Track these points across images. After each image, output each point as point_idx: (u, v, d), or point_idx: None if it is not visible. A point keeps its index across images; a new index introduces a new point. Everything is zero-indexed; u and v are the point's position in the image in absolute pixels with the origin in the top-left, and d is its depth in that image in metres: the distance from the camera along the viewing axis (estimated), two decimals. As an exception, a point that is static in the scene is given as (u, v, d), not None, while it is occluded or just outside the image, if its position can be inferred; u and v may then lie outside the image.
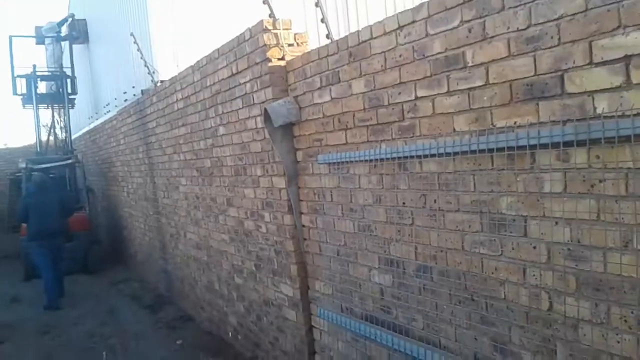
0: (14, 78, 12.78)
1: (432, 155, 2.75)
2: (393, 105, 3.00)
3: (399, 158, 2.97)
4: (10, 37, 13.05)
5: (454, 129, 2.63)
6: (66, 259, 9.46)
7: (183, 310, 7.06)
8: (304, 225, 4.04)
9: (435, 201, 2.81)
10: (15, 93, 12.87)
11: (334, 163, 3.54)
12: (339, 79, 3.42)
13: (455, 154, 2.63)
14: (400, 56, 2.90)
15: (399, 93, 2.94)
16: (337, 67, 3.43)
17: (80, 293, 8.71)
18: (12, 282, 9.80)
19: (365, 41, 3.14)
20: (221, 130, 5.11)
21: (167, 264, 7.64)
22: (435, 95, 2.71)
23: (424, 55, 2.75)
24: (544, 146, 2.18)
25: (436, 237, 2.82)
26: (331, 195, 3.65)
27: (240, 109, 4.63)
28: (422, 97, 2.80)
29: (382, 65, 3.04)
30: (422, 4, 2.74)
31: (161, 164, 7.28)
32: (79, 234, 10.17)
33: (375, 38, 3.06)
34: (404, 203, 3.02)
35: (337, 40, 3.46)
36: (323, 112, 3.62)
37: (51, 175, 11.51)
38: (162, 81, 7.47)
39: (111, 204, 11.37)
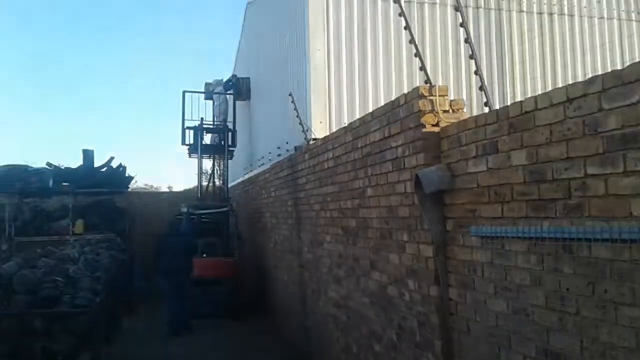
0: (183, 130, 14.16)
1: (604, 240, 2.48)
2: (558, 182, 2.78)
3: (564, 239, 2.72)
4: (184, 92, 14.55)
5: (631, 213, 2.35)
6: (212, 302, 10.14)
7: (318, 367, 7.04)
8: (450, 299, 3.84)
9: (605, 291, 2.50)
10: (183, 143, 14.23)
11: (487, 236, 3.35)
12: (497, 149, 3.26)
13: (633, 241, 2.34)
14: (568, 130, 2.70)
15: (566, 169, 2.72)
16: (495, 136, 3.28)
17: (225, 338, 9.08)
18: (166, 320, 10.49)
19: (528, 112, 2.98)
20: (369, 191, 5.13)
21: (307, 319, 7.72)
22: (608, 174, 2.46)
23: (596, 131, 2.52)
24: None
25: (606, 333, 2.50)
26: (483, 270, 3.44)
27: (390, 172, 4.62)
28: (592, 175, 2.56)
29: (547, 138, 2.84)
30: (595, 77, 2.54)
31: (308, 219, 7.48)
32: (226, 280, 10.73)
33: (540, 109, 2.89)
34: (567, 289, 2.74)
35: (496, 110, 3.33)
36: (478, 182, 3.47)
37: (205, 221, 12.47)
38: (314, 139, 7.78)
39: (258, 252, 11.89)
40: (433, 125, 4.00)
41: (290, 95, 8.69)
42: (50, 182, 15.38)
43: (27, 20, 44.98)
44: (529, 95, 3.21)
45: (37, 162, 17.61)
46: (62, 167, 16.19)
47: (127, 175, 16.56)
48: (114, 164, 16.37)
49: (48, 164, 16.14)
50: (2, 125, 44.85)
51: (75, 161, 16.46)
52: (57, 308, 6.39)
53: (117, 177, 16.19)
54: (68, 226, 15.12)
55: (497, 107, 4.23)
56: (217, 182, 16.07)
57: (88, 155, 16.16)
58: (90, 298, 6.75)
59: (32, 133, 45.48)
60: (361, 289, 5.45)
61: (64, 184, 15.70)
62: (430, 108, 4.01)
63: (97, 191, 15.91)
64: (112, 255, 10.96)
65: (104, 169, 16.23)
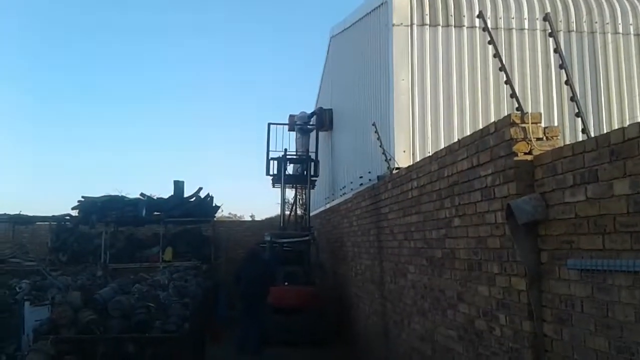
0: (268, 160, 14.54)
1: None
2: (667, 212, 2.60)
3: (675, 273, 2.54)
4: (269, 125, 15.00)
5: None
6: (294, 330, 10.24)
7: (402, 402, 6.85)
8: (545, 335, 3.65)
9: None
10: (268, 173, 14.60)
11: (587, 270, 3.17)
12: (597, 177, 3.12)
13: None
14: (678, 156, 2.54)
15: (676, 198, 2.55)
16: (595, 164, 3.14)
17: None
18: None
19: (632, 139, 2.83)
20: (456, 221, 5.02)
21: (389, 351, 7.57)
22: None
23: None
24: None
25: None
26: (582, 305, 3.25)
27: (478, 201, 4.51)
28: None
29: (653, 166, 2.69)
30: None
31: (390, 249, 7.41)
32: (308, 308, 10.77)
33: (645, 136, 2.74)
34: (680, 327, 2.54)
35: (596, 137, 3.19)
36: (575, 212, 3.31)
37: (287, 249, 12.66)
38: (397, 169, 7.75)
39: (339, 281, 11.87)
40: (526, 154, 3.88)
41: (373, 125, 8.74)
42: (144, 212, 16.20)
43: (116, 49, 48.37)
44: (626, 123, 3.05)
45: (131, 192, 18.62)
46: (155, 197, 17.03)
47: (214, 205, 17.16)
48: (202, 194, 17.04)
49: (142, 194, 17.06)
50: (98, 154, 48.02)
51: (166, 191, 17.25)
52: (149, 333, 6.63)
53: (204, 207, 16.81)
54: (158, 253, 15.84)
55: (592, 134, 4.06)
56: (299, 211, 16.29)
57: (178, 186, 16.93)
58: (180, 324, 6.98)
59: (126, 164, 48.40)
60: (447, 322, 5.29)
61: (155, 213, 16.52)
62: (522, 136, 3.91)
63: (186, 220, 16.60)
64: (199, 283, 11.32)
65: (193, 199, 16.93)
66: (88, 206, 16.56)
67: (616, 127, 3.36)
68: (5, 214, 17.02)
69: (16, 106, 43.09)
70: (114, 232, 16.31)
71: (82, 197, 16.95)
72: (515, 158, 3.89)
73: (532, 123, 3.90)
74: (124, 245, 16.40)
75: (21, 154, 45.23)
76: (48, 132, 46.80)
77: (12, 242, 17.41)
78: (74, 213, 16.89)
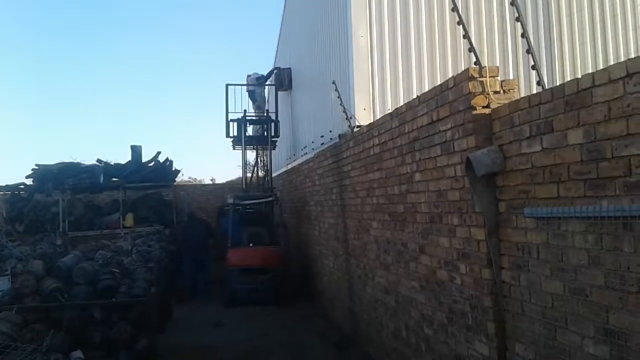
0: (227, 122, 14.34)
1: (668, 217, 2.42)
2: (618, 159, 2.72)
3: (624, 217, 2.67)
4: (227, 85, 14.73)
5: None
6: (259, 290, 10.43)
7: (367, 353, 7.08)
8: (504, 281, 3.81)
9: (671, 269, 2.45)
10: (227, 135, 14.41)
11: (542, 217, 3.30)
12: (552, 128, 3.21)
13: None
14: (628, 106, 2.63)
15: (626, 146, 2.66)
16: (550, 116, 3.23)
17: (274, 324, 9.24)
18: (217, 308, 10.75)
19: (585, 89, 2.92)
20: (417, 176, 5.11)
21: (354, 304, 7.78)
22: (673, 149, 2.40)
23: (659, 105, 2.46)
24: None
25: (672, 312, 2.44)
26: (538, 251, 3.40)
27: (438, 156, 4.60)
28: (655, 150, 2.49)
29: (605, 115, 2.78)
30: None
31: (353, 206, 7.51)
32: (272, 268, 10.89)
33: (597, 86, 2.83)
34: (628, 268, 2.69)
35: (551, 88, 3.27)
36: (532, 163, 3.42)
37: (250, 211, 12.72)
38: (359, 126, 7.78)
39: (303, 240, 12.00)
40: (484, 107, 3.95)
41: (333, 83, 8.70)
42: (101, 178, 15.87)
43: (71, 17, 46.35)
44: (579, 74, 3.14)
45: (87, 159, 18.19)
46: (112, 163, 16.67)
47: (173, 169, 16.94)
48: (161, 159, 16.77)
49: (98, 160, 16.68)
50: (50, 122, 46.49)
51: (123, 157, 16.90)
52: (115, 298, 6.61)
53: (164, 172, 16.60)
54: (119, 220, 15.63)
55: (547, 86, 4.16)
56: (261, 173, 16.24)
57: (136, 150, 16.60)
58: (146, 288, 6.98)
59: (81, 130, 47.02)
60: (410, 274, 5.45)
61: (113, 179, 16.20)
62: (480, 90, 3.97)
63: (146, 185, 16.36)
64: (162, 247, 11.28)
65: (151, 164, 16.65)
66: (43, 174, 16.11)
67: (569, 79, 3.44)
68: (-44, 185, 16.39)
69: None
70: (71, 199, 15.94)
71: (36, 165, 16.47)
72: (474, 112, 3.95)
73: (489, 77, 3.96)
74: (82, 212, 16.08)
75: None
76: (-5, 98, 44.88)
77: (-36, 214, 16.85)
78: (29, 182, 16.43)
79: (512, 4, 4.58)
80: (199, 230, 13.06)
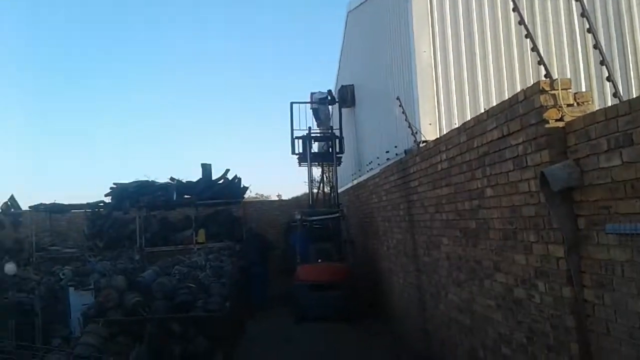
0: (292, 139, 14.58)
1: None
2: None
3: None
4: (291, 104, 15.01)
5: None
6: (327, 306, 10.45)
7: (441, 371, 6.96)
8: (586, 300, 3.68)
9: None
10: (293, 152, 14.65)
11: (626, 234, 3.18)
12: (632, 141, 3.10)
13: None
14: None
15: None
16: (629, 128, 3.12)
17: (344, 341, 9.24)
18: (285, 322, 10.87)
19: (668, 100, 2.81)
20: (488, 192, 5.03)
21: (426, 322, 7.67)
22: None
23: None
24: None
25: None
26: (622, 269, 3.27)
27: (511, 171, 4.52)
28: None
29: (691, 127, 2.67)
30: None
31: (422, 222, 7.45)
32: (340, 284, 10.91)
33: (682, 97, 2.72)
34: None
35: (629, 100, 3.17)
36: (612, 177, 3.31)
37: (317, 227, 12.83)
38: (425, 142, 7.74)
39: (370, 257, 11.96)
40: (557, 120, 3.86)
41: (397, 99, 8.71)
42: (174, 195, 16.52)
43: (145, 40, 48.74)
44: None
45: (159, 177, 19.01)
46: (184, 181, 17.31)
47: (242, 186, 17.38)
48: (230, 176, 17.26)
49: (171, 178, 17.39)
50: (126, 142, 48.91)
51: (194, 175, 17.56)
52: (192, 313, 6.86)
53: (233, 188, 17.08)
54: (191, 236, 16.19)
55: (623, 98, 4.02)
56: (326, 189, 16.38)
57: (206, 168, 17.19)
58: (221, 303, 7.20)
59: (152, 149, 49.24)
60: (485, 292, 5.34)
61: (185, 196, 16.83)
62: (552, 103, 3.88)
63: (216, 202, 16.88)
64: (233, 262, 11.58)
65: (221, 181, 17.17)
66: (120, 192, 16.98)
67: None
68: (41, 204, 17.51)
69: (45, 97, 43.85)
70: (146, 216, 16.68)
71: (114, 184, 17.35)
72: (547, 125, 3.87)
73: (562, 89, 3.87)
74: (157, 229, 16.79)
75: (49, 146, 46.30)
76: (72, 124, 47.71)
77: (50, 231, 17.95)
78: (107, 200, 17.31)
79: (582, 15, 4.46)
80: (257, 245, 13.90)
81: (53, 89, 44.87)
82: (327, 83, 22.66)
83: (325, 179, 16.60)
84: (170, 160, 45.74)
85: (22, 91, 42.63)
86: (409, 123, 8.28)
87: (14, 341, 6.93)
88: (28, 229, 17.14)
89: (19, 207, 17.97)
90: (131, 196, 16.71)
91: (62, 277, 10.37)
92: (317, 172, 18.14)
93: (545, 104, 3.91)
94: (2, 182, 41.01)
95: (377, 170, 10.98)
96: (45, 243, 16.82)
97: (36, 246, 16.31)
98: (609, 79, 4.22)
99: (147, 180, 17.44)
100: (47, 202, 17.62)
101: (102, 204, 17.44)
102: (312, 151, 14.51)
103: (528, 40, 4.80)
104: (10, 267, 10.84)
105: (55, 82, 45.83)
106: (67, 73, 45.62)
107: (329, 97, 15.64)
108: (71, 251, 16.30)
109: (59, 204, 17.71)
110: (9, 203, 18.00)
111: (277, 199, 26.71)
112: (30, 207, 17.64)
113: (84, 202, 17.67)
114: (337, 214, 12.44)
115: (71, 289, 8.63)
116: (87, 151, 48.56)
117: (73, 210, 18.24)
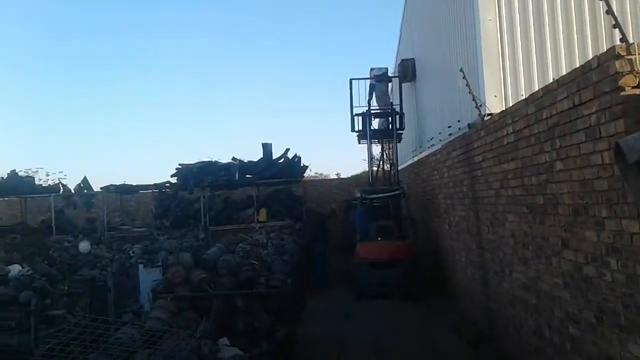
0: (352, 116, 14.42)
1: None
2: None
3: None
4: (350, 80, 14.80)
5: None
6: (388, 283, 10.40)
7: (505, 351, 6.79)
8: (663, 279, 3.45)
9: None
10: (352, 130, 14.49)
11: None
12: None
13: None
14: None
15: None
16: None
17: (404, 318, 9.20)
18: (346, 300, 10.93)
19: None
20: (558, 165, 4.80)
21: (489, 300, 7.50)
22: None
23: None
24: None
25: None
26: None
27: (582, 142, 4.27)
28: None
29: None
30: None
31: (486, 199, 7.23)
32: (401, 262, 10.82)
33: None
34: None
35: None
36: (696, 147, 3.06)
37: (377, 204, 12.72)
38: (489, 115, 7.48)
39: (431, 234, 11.79)
40: (634, 88, 3.60)
41: (461, 70, 8.43)
42: (236, 175, 16.84)
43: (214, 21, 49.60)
44: None
45: (222, 157, 19.41)
46: (245, 161, 17.61)
47: (302, 165, 17.49)
48: (290, 155, 17.40)
49: (233, 158, 17.71)
50: (186, 121, 50.29)
51: (254, 155, 17.83)
52: (256, 289, 7.00)
53: (293, 167, 17.22)
54: (253, 215, 16.49)
55: None
56: (386, 166, 16.20)
57: (267, 148, 17.38)
58: (283, 280, 7.30)
59: (214, 129, 50.39)
60: (552, 270, 5.13)
61: (247, 176, 17.12)
62: (629, 68, 3.63)
63: (276, 181, 17.09)
64: (294, 241, 11.71)
65: (281, 161, 17.34)
66: (185, 173, 17.47)
67: None
68: (112, 185, 18.30)
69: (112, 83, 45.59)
70: (211, 196, 17.12)
71: (179, 164, 17.87)
72: (622, 93, 3.62)
73: (639, 54, 3.60)
74: (221, 208, 17.22)
75: (117, 129, 48.29)
76: (139, 104, 49.44)
77: (120, 211, 18.78)
78: (173, 180, 17.87)
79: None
80: (316, 224, 13.64)
81: (121, 80, 46.61)
82: (388, 59, 22.27)
83: (385, 156, 16.40)
84: (230, 140, 46.67)
85: (99, 82, 44.53)
86: (473, 95, 8.02)
87: (89, 315, 7.31)
88: (100, 209, 18.00)
89: (91, 188, 18.88)
90: (195, 176, 17.17)
91: (132, 254, 10.84)
92: (376, 149, 17.98)
93: (621, 70, 3.65)
94: (76, 166, 43.22)
95: (438, 146, 10.74)
96: (115, 222, 17.62)
97: (107, 225, 17.10)
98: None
99: (210, 161, 17.86)
100: (117, 183, 18.39)
101: (168, 184, 18.02)
102: (372, 128, 14.33)
103: (602, 2, 4.48)
104: (84, 246, 11.45)
105: (125, 71, 47.54)
106: (133, 60, 47.18)
107: (386, 74, 15.33)
108: (140, 230, 17.00)
109: (128, 185, 18.46)
110: (81, 184, 18.94)
111: (336, 177, 26.79)
112: (101, 188, 18.48)
113: (152, 183, 18.33)
114: (398, 192, 12.31)
115: (140, 266, 9.00)
116: (153, 131, 50.37)
117: (141, 191, 18.98)
